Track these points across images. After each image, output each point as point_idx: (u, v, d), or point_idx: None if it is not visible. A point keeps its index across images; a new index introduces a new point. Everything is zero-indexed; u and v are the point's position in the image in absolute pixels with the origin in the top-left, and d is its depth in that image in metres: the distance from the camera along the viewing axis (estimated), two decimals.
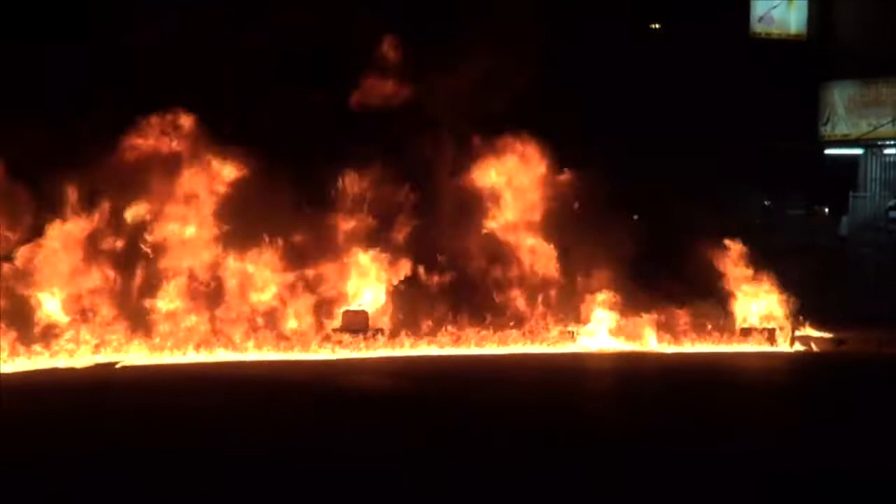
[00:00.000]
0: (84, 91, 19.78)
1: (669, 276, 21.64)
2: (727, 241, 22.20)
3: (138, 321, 18.95)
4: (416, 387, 16.49)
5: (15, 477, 10.27)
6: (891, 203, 33.12)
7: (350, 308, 20.23)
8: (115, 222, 19.53)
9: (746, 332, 21.68)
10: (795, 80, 33.60)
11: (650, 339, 21.17)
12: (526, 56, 21.09)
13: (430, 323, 20.38)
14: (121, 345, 18.55)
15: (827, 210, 33.45)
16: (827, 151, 36.17)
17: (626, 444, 12.15)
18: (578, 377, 18.22)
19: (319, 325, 19.92)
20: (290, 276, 20.09)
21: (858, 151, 35.66)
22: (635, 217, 23.30)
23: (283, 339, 19.41)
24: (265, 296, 19.87)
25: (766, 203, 34.37)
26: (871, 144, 34.96)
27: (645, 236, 21.93)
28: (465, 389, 16.21)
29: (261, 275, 19.95)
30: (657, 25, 34.62)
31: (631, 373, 18.86)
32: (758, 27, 36.18)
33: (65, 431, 12.35)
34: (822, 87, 35.26)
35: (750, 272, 22.07)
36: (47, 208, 19.08)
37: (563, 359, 19.83)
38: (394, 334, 19.98)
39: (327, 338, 19.59)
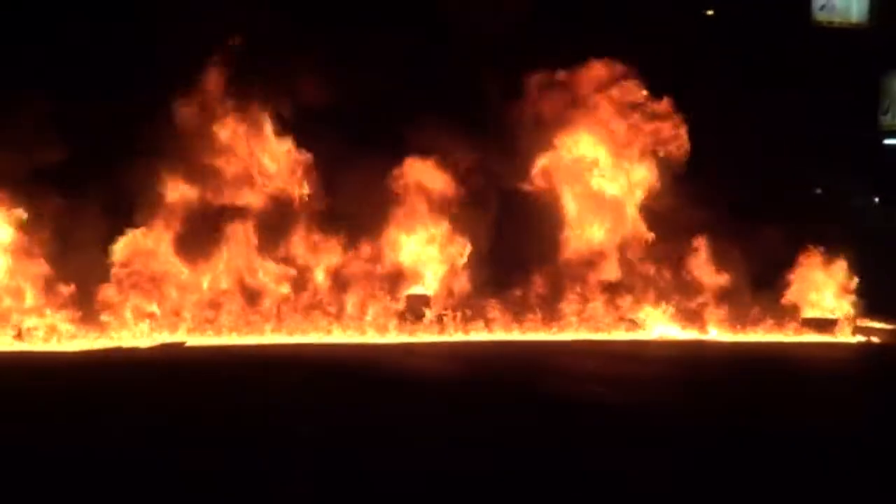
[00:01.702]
0: None
1: (732, 266, 21.61)
2: (788, 233, 22.14)
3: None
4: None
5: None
6: None
7: (412, 292, 20.42)
8: None
9: (808, 323, 21.67)
10: (856, 68, 33.28)
11: (711, 329, 21.23)
12: None
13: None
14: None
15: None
16: (887, 141, 35.87)
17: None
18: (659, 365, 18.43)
19: (383, 309, 20.10)
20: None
21: None
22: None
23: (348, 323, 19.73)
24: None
25: (821, 192, 34.09)
26: None
27: (709, 228, 21.93)
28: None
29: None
30: (710, 12, 34.33)
31: (697, 362, 18.86)
32: (820, 15, 35.79)
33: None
34: (884, 75, 34.95)
35: (811, 263, 22.03)
36: None
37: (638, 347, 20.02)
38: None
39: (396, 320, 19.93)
